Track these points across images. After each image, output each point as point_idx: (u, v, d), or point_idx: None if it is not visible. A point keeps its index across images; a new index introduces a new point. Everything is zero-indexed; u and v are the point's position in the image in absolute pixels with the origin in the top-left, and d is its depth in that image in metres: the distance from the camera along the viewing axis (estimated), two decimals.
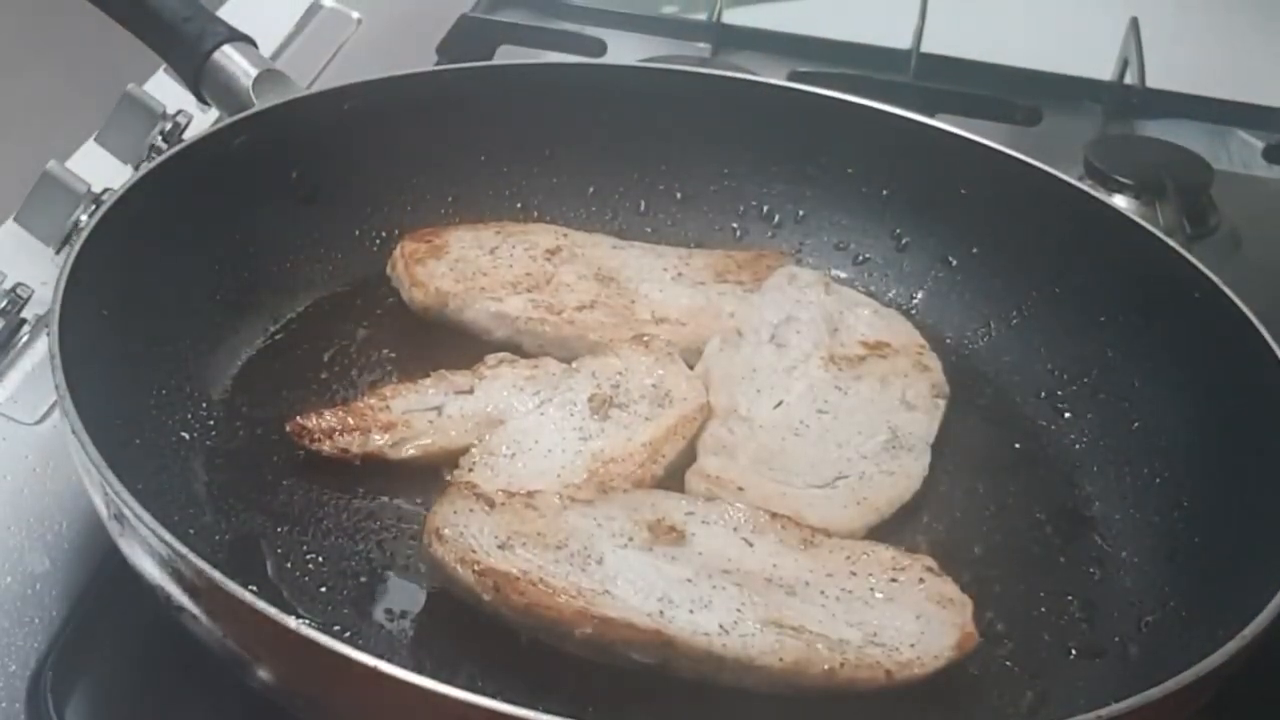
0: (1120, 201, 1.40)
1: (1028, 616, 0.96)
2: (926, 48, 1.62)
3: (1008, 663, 0.93)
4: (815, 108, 1.26)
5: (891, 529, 1.00)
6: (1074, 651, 0.95)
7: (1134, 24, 1.64)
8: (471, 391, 1.04)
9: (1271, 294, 1.12)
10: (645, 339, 1.09)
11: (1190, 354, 1.07)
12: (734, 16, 1.71)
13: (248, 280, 1.13)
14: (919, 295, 1.23)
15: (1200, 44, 1.78)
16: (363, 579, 0.93)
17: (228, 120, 1.14)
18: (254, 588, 0.79)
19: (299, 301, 1.15)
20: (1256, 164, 1.60)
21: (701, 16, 1.73)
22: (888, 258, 1.25)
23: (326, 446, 1.00)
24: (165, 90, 1.26)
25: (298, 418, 1.01)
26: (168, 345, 1.04)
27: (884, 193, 1.25)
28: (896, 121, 1.24)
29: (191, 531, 0.93)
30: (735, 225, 1.28)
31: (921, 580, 0.92)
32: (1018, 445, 1.11)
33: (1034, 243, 1.18)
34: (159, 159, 1.08)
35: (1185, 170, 1.47)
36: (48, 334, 0.90)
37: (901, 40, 1.63)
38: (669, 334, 1.11)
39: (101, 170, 1.21)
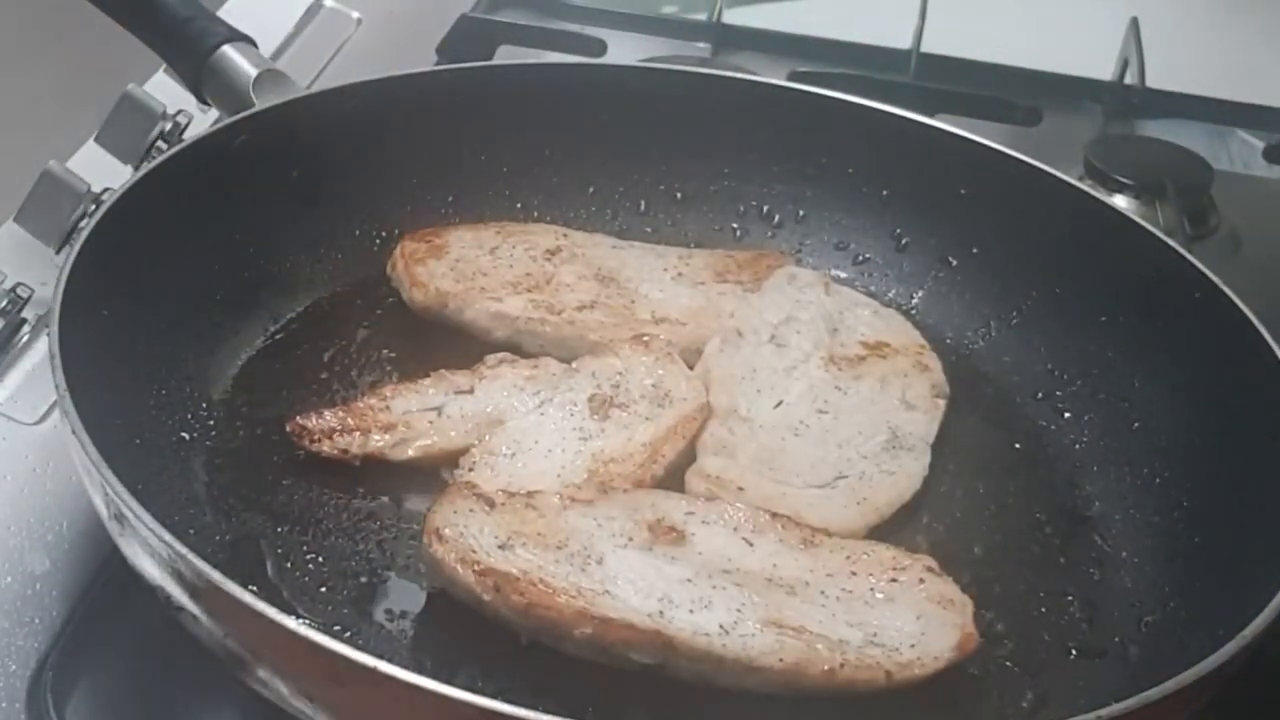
0: (1120, 201, 1.40)
1: (1028, 616, 0.96)
2: (926, 48, 1.62)
3: (1008, 663, 0.93)
4: (815, 108, 1.26)
5: (891, 529, 1.00)
6: (1074, 651, 0.95)
7: (1134, 24, 1.64)
8: (471, 391, 1.04)
9: (1271, 294, 1.12)
10: (645, 339, 1.09)
11: (1190, 354, 1.07)
12: (734, 16, 1.71)
13: (248, 280, 1.13)
14: (919, 295, 1.23)
15: (1200, 44, 1.78)
16: (363, 579, 0.93)
17: (228, 120, 1.14)
18: (254, 588, 0.80)
19: (299, 301, 1.15)
20: (1256, 164, 1.60)
21: (701, 16, 1.73)
22: (888, 258, 1.25)
23: (326, 447, 1.00)
24: (165, 90, 1.26)
25: (298, 418, 1.01)
26: (168, 345, 1.04)
27: (884, 193, 1.25)
28: (896, 121, 1.24)
29: (191, 531, 0.93)
30: (735, 225, 1.28)
31: (922, 580, 0.92)
32: (1018, 445, 1.10)
33: (1034, 243, 1.18)
34: (159, 159, 1.08)
35: (1185, 170, 1.47)
36: (48, 334, 0.90)
37: (901, 40, 1.63)
38: (669, 334, 1.11)
39: (101, 170, 1.21)
